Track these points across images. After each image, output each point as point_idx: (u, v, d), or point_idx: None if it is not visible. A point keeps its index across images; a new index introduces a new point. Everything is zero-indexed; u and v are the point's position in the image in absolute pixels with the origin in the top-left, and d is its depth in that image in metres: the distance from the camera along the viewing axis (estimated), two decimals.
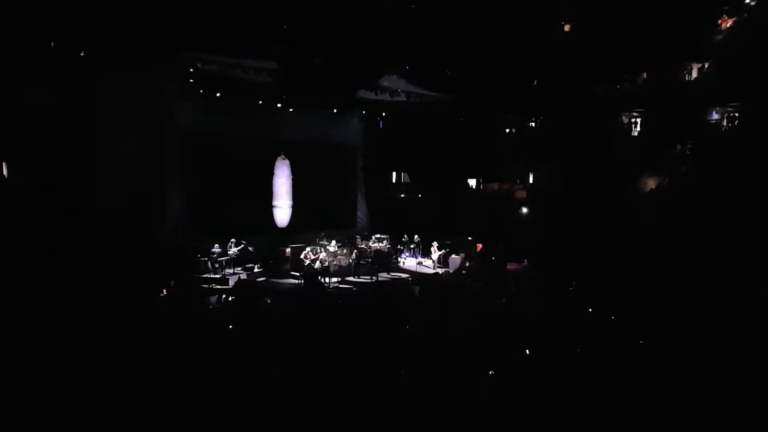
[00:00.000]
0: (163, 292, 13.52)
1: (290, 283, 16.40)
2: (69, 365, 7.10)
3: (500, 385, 6.89)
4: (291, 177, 20.28)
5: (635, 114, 21.41)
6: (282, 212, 20.08)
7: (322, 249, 17.49)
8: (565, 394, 6.49)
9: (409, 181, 27.23)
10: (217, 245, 16.62)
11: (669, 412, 6.31)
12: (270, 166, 19.79)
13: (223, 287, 15.04)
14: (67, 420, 6.01)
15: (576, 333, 9.42)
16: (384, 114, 22.30)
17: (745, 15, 17.88)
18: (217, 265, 16.44)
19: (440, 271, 18.11)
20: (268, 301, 13.13)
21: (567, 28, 21.31)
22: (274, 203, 19.88)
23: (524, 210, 23.34)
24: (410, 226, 20.98)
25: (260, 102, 18.57)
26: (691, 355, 7.94)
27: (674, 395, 6.66)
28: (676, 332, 9.36)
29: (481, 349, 8.37)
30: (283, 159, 19.95)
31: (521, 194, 24.70)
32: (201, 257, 16.47)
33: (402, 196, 26.14)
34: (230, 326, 10.22)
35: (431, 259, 19.00)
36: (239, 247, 16.86)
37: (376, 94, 17.82)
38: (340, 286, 16.25)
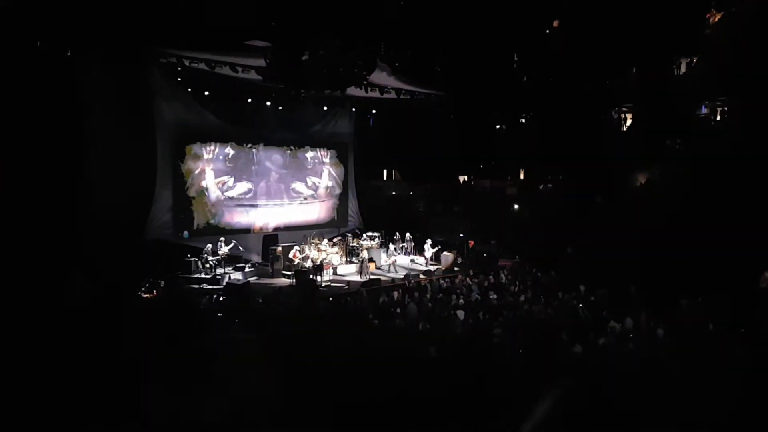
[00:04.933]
0: (153, 292, 13.40)
1: (282, 283, 16.28)
2: (57, 365, 7.01)
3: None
4: (281, 174, 20.29)
5: (625, 109, 21.43)
6: (273, 210, 20.01)
7: (313, 247, 17.38)
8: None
9: (400, 178, 27.18)
10: (209, 245, 16.49)
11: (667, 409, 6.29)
12: (258, 165, 19.69)
13: (214, 287, 14.89)
14: (63, 418, 5.97)
15: (568, 327, 9.41)
16: (374, 111, 22.22)
17: (733, 9, 17.93)
18: (207, 265, 16.28)
19: (432, 268, 18.05)
20: (260, 301, 13.03)
21: (556, 23, 21.34)
22: (265, 201, 19.79)
23: (515, 207, 23.34)
24: (402, 223, 20.94)
25: (249, 100, 18.47)
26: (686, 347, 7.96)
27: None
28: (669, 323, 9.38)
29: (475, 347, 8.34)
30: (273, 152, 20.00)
31: (512, 191, 24.72)
32: (191, 257, 16.32)
33: (393, 193, 26.08)
34: (222, 325, 10.15)
35: (424, 256, 18.95)
36: (230, 246, 16.71)
37: (366, 91, 17.71)
38: (332, 284, 16.18)
